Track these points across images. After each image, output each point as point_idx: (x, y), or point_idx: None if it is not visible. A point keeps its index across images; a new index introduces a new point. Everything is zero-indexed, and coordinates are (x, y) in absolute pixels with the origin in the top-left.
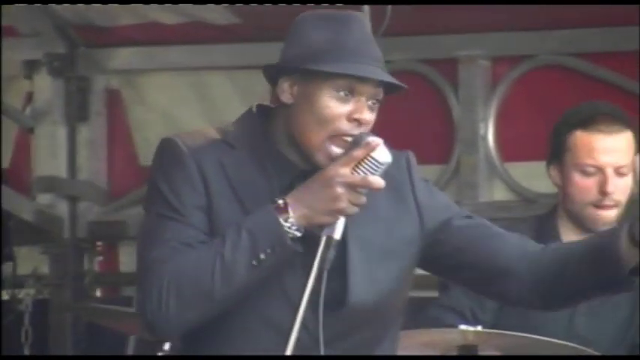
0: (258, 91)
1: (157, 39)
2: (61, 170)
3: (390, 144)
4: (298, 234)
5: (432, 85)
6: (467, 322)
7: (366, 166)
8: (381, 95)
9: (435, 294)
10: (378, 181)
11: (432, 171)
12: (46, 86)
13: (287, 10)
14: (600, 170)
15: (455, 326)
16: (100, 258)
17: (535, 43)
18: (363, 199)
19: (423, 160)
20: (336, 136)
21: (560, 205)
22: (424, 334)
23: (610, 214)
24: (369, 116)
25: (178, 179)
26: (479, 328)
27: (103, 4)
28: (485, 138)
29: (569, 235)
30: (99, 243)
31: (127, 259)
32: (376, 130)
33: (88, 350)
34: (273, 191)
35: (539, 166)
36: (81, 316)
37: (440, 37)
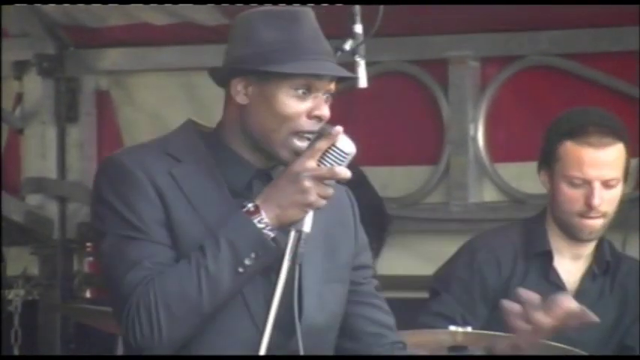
0: None
1: (147, 39)
2: (51, 171)
3: (381, 144)
4: (272, 234)
5: (422, 85)
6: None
7: (331, 156)
8: (333, 88)
9: (423, 295)
10: (345, 172)
11: (421, 172)
12: (35, 87)
13: None
14: (587, 183)
15: None
16: (90, 259)
17: (524, 44)
18: (331, 191)
19: (412, 160)
20: (298, 133)
21: (549, 210)
22: (414, 335)
23: (595, 224)
24: (327, 112)
25: (134, 196)
26: (468, 329)
27: (92, 4)
28: (475, 139)
29: (556, 239)
30: (88, 244)
31: None
32: (366, 131)
33: (77, 350)
34: (224, 196)
35: (529, 167)
36: (70, 316)
37: (429, 38)
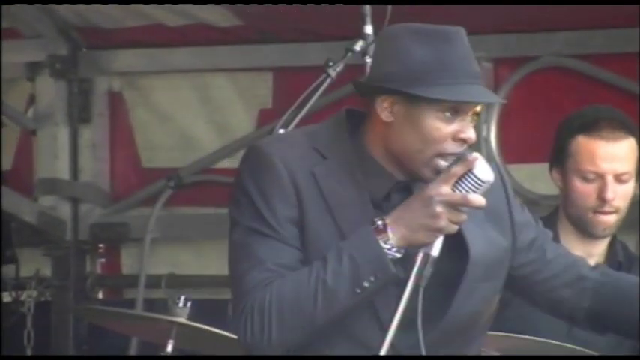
0: (261, 93)
1: (160, 41)
2: (64, 172)
3: None
4: (398, 255)
5: None
6: None
7: (466, 183)
8: (479, 109)
9: None
10: (479, 200)
11: None
12: (48, 88)
13: (289, 11)
14: (600, 177)
15: None
16: (102, 260)
17: (537, 45)
18: (464, 217)
19: None
20: (443, 155)
21: (562, 208)
22: None
23: (609, 220)
24: (473, 134)
25: (271, 191)
26: None
27: (104, 4)
28: (487, 140)
29: (569, 238)
30: (101, 245)
31: (129, 261)
32: None
33: (90, 352)
34: (364, 204)
35: (541, 169)
36: (83, 318)
37: None
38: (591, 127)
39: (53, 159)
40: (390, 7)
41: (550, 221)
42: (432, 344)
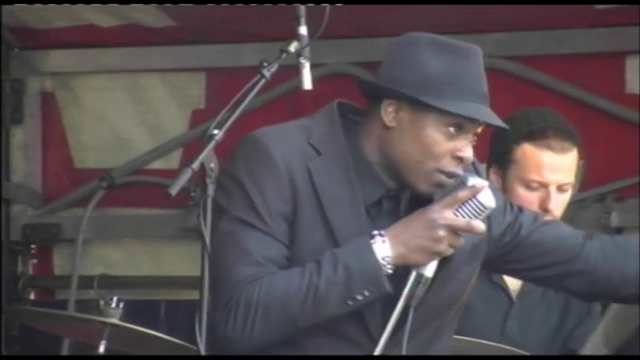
0: (194, 94)
1: (92, 41)
2: None
3: None
4: (390, 271)
5: None
6: None
7: (469, 208)
8: (480, 131)
9: None
10: (481, 227)
11: None
12: None
13: (222, 12)
14: (544, 187)
15: None
16: (34, 261)
17: None
18: (462, 242)
19: None
20: (441, 171)
21: None
22: None
23: None
24: (471, 154)
25: (267, 184)
26: None
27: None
28: None
29: None
30: (33, 246)
31: (62, 262)
32: None
33: (22, 353)
34: (357, 205)
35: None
36: (15, 319)
37: (375, 40)
38: (539, 135)
39: None
40: (328, 7)
41: None
42: (410, 327)
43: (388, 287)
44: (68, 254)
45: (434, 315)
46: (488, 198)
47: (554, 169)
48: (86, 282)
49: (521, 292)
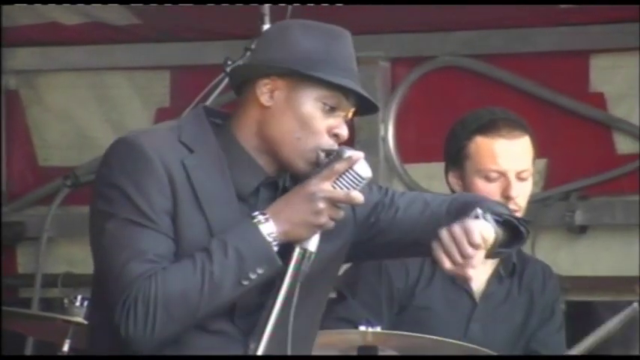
0: (159, 92)
1: (56, 39)
2: None
3: None
4: (276, 249)
5: None
6: None
7: (346, 179)
8: (350, 115)
9: None
10: (360, 197)
11: None
12: None
13: (187, 10)
14: (503, 175)
15: None
16: None
17: (435, 45)
18: (342, 214)
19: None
20: (319, 148)
21: None
22: (323, 335)
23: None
24: (346, 132)
25: (147, 183)
26: (378, 328)
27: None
28: (385, 139)
29: None
30: None
31: (25, 261)
32: None
33: None
34: (231, 198)
35: (438, 168)
36: None
37: None
38: (489, 127)
39: None
40: (290, 6)
41: None
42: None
43: (280, 262)
44: (32, 252)
45: (307, 291)
46: (364, 168)
47: (509, 156)
48: (50, 280)
49: (485, 294)
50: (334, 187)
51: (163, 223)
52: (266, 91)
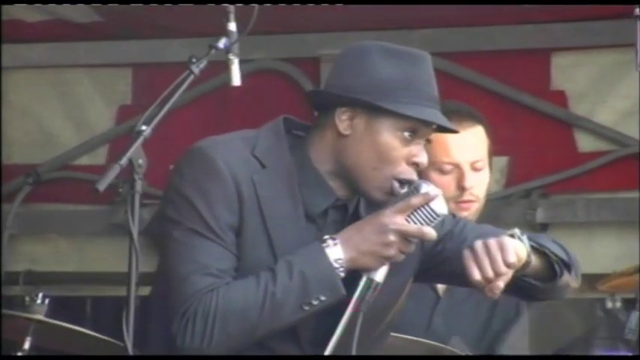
0: (120, 89)
1: (18, 36)
2: None
3: None
4: (342, 275)
5: (295, 83)
6: None
7: (421, 214)
8: (432, 137)
9: None
10: (432, 234)
11: None
12: None
13: (150, 7)
14: (456, 166)
15: None
16: None
17: (397, 43)
18: (412, 248)
19: None
20: (397, 178)
21: None
22: None
23: (471, 208)
24: (426, 160)
25: (215, 197)
26: None
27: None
28: None
29: None
30: None
31: None
32: (240, 128)
33: None
34: (298, 217)
35: None
36: None
37: (302, 36)
38: None
39: None
40: (257, 6)
41: None
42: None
43: (344, 291)
44: None
45: (367, 329)
46: (441, 205)
47: (461, 146)
48: (11, 278)
49: (449, 288)
50: (408, 221)
51: (228, 238)
52: (345, 119)
